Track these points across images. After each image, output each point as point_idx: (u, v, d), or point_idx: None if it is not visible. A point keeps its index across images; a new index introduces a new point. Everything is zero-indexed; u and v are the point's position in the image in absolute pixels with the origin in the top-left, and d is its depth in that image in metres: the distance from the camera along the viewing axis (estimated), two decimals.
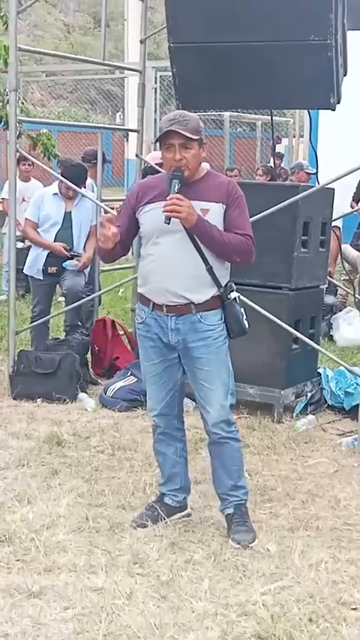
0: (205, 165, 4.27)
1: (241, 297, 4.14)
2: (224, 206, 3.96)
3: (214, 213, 3.94)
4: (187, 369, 4.08)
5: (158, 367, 4.10)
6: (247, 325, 4.08)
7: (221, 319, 4.02)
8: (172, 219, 3.84)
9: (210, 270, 3.96)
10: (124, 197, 8.08)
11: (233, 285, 4.08)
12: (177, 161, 3.92)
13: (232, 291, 4.05)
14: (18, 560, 3.78)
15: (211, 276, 3.97)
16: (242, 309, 4.08)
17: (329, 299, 8.78)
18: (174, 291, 3.96)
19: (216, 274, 3.97)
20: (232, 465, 4.12)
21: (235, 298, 4.03)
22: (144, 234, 4.04)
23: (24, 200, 9.21)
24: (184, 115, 3.96)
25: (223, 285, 4.02)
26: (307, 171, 10.31)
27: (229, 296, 4.02)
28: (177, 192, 3.88)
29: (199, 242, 3.92)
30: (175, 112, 4.03)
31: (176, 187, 3.90)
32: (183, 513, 4.26)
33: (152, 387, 4.16)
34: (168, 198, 3.87)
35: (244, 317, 4.07)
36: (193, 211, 3.85)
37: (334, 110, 5.72)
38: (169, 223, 3.87)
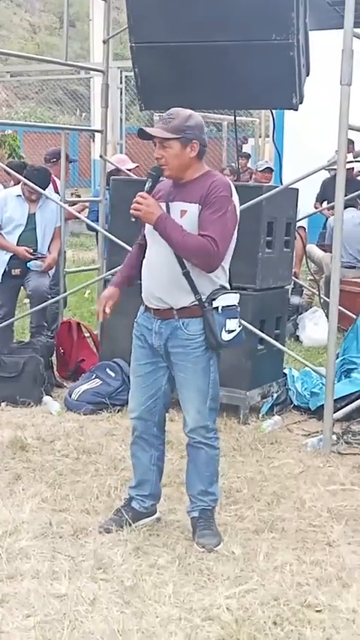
0: None
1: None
2: (200, 207, 3.86)
3: (190, 215, 3.87)
4: (172, 373, 4.04)
5: (143, 369, 4.06)
6: (228, 338, 3.91)
7: (204, 328, 3.92)
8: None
9: (187, 274, 3.88)
10: (90, 198, 8.09)
11: (220, 293, 3.92)
12: (156, 159, 3.90)
13: (215, 299, 3.90)
14: None
15: (188, 282, 3.88)
16: (228, 321, 3.91)
17: (295, 299, 8.80)
18: (155, 295, 3.95)
19: (194, 280, 3.88)
20: (205, 470, 4.08)
21: (217, 307, 3.89)
22: (145, 234, 4.05)
23: None
24: (173, 113, 3.89)
25: (207, 292, 3.90)
26: (259, 169, 10.34)
27: (206, 304, 3.89)
28: (149, 191, 3.86)
29: None
30: (170, 110, 3.93)
31: (147, 185, 3.88)
32: (151, 518, 4.22)
33: (135, 388, 4.12)
34: (137, 195, 3.86)
35: (226, 328, 3.91)
36: (153, 210, 3.82)
37: (296, 110, 5.73)
38: (134, 221, 3.88)
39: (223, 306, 3.92)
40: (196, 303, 3.91)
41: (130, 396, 4.19)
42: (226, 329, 3.92)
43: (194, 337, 3.93)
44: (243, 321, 5.64)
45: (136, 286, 4.17)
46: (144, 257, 4.08)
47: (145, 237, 4.08)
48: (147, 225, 3.95)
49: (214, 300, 3.91)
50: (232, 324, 3.94)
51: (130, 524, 4.10)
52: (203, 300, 3.90)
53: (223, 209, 3.87)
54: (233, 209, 3.94)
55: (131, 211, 3.86)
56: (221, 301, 3.92)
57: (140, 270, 4.08)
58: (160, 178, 3.97)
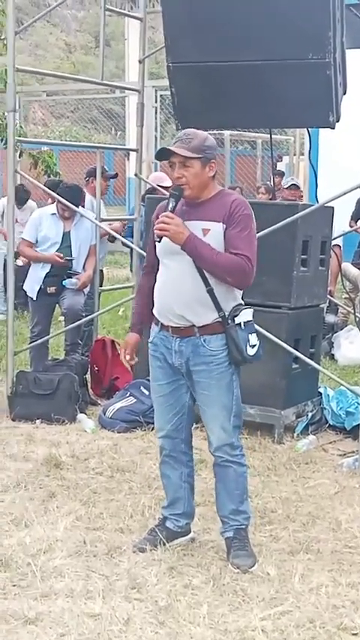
0: None
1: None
2: (224, 225, 3.89)
3: (214, 233, 3.88)
4: (193, 391, 4.04)
5: (165, 388, 4.06)
6: (252, 353, 3.94)
7: (226, 344, 3.93)
8: (163, 237, 3.85)
9: (211, 292, 3.89)
10: (124, 216, 8.12)
11: (241, 309, 3.95)
12: (176, 179, 3.91)
13: (237, 315, 3.93)
14: (14, 586, 3.73)
15: (212, 299, 3.90)
16: (251, 336, 3.94)
17: (330, 318, 8.76)
18: (176, 313, 3.93)
19: (217, 297, 3.90)
20: (235, 489, 4.06)
21: (240, 323, 3.92)
22: (157, 254, 4.03)
23: (17, 221, 9.19)
24: (190, 133, 3.93)
25: (228, 308, 3.93)
26: (285, 187, 10.36)
27: (229, 321, 3.91)
28: (172, 211, 3.87)
29: None
30: (185, 131, 3.98)
31: (171, 205, 3.89)
32: (186, 538, 4.20)
33: (159, 407, 4.12)
34: (160, 216, 3.87)
35: (250, 344, 3.94)
36: (182, 230, 3.82)
37: (333, 129, 5.71)
38: (159, 241, 3.89)
39: (244, 322, 3.94)
40: (219, 319, 3.92)
41: (155, 417, 4.19)
42: (250, 344, 3.95)
43: (217, 354, 3.92)
44: (278, 340, 5.67)
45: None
46: (154, 281, 4.10)
47: (148, 264, 4.12)
48: (159, 245, 3.95)
49: (236, 316, 3.93)
50: (254, 338, 3.98)
51: (164, 544, 4.08)
52: (226, 316, 3.91)
53: (248, 227, 3.92)
54: (254, 227, 3.98)
55: (157, 232, 3.87)
56: (242, 317, 3.95)
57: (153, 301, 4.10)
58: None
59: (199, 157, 3.88)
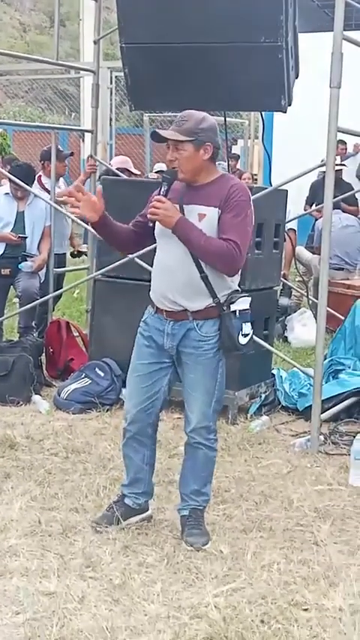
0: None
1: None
2: (219, 210, 3.84)
3: (210, 218, 3.85)
4: (179, 373, 4.04)
5: (145, 368, 4.03)
6: (244, 342, 3.93)
7: (218, 330, 3.92)
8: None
9: (205, 278, 3.87)
10: None
11: (238, 296, 3.93)
12: (169, 162, 3.89)
13: (233, 302, 3.90)
14: None
15: (206, 285, 3.88)
16: (244, 324, 3.93)
17: (284, 300, 8.84)
18: (169, 298, 3.92)
19: (211, 283, 3.88)
20: (202, 471, 4.10)
21: (235, 311, 3.90)
22: (156, 235, 4.00)
23: None
24: (185, 115, 3.89)
25: (223, 294, 3.91)
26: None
27: (225, 308, 3.90)
28: (165, 195, 3.84)
29: None
30: (184, 112, 3.92)
31: (163, 189, 3.86)
32: (143, 515, 4.23)
33: (134, 387, 4.08)
34: (151, 199, 3.86)
35: (242, 332, 3.92)
36: (172, 213, 3.80)
37: (285, 112, 5.76)
38: (152, 225, 3.87)
39: (240, 310, 3.93)
40: (213, 305, 3.90)
41: (127, 395, 4.17)
42: (243, 333, 3.93)
43: (207, 338, 3.92)
44: None
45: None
46: (134, 241, 4.09)
47: (139, 223, 4.05)
48: (157, 226, 3.91)
49: (232, 303, 3.91)
50: (247, 328, 3.96)
51: (119, 522, 4.11)
52: (221, 302, 3.91)
53: (243, 213, 3.87)
54: (251, 214, 3.94)
55: (148, 215, 3.84)
56: (238, 305, 3.93)
57: (122, 240, 4.07)
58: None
59: (191, 140, 3.83)
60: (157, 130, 3.92)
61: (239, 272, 3.98)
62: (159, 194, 3.87)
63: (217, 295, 3.89)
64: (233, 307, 3.91)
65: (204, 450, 4.06)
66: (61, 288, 7.73)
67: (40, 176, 7.74)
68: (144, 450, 4.16)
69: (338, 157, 9.30)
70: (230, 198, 3.84)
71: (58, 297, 8.00)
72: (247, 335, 3.96)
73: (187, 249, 3.85)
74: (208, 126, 3.89)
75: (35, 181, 7.54)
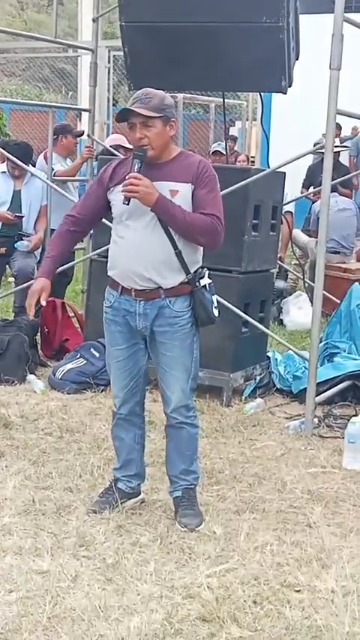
0: None
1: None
2: (192, 186, 3.87)
3: (182, 194, 3.86)
4: (152, 353, 4.03)
5: (124, 352, 4.03)
6: (216, 314, 4.01)
7: (190, 305, 3.95)
8: (131, 199, 3.79)
9: (179, 254, 3.88)
10: (77, 177, 8.07)
11: (205, 271, 3.99)
12: (138, 140, 3.86)
13: (202, 277, 3.96)
14: None
15: (180, 261, 3.89)
16: (213, 297, 4.00)
17: (280, 283, 8.83)
18: (142, 275, 3.89)
19: (185, 259, 3.90)
20: (187, 449, 4.11)
21: (205, 285, 3.96)
22: (114, 215, 3.97)
23: None
24: (149, 92, 3.88)
25: (193, 271, 3.94)
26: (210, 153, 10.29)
27: (197, 283, 3.93)
28: (138, 172, 3.81)
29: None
30: (142, 90, 3.92)
31: (136, 167, 3.83)
32: (136, 499, 4.23)
33: (117, 372, 4.09)
34: (127, 177, 3.82)
35: (214, 305, 4.00)
36: (152, 190, 3.78)
37: (285, 93, 5.73)
38: (127, 204, 3.82)
39: (208, 284, 3.99)
40: (185, 281, 3.92)
41: (112, 382, 4.18)
42: (214, 305, 4.01)
43: (181, 315, 3.94)
44: (228, 304, 5.70)
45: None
46: (75, 240, 4.18)
47: (78, 218, 4.05)
48: (118, 206, 3.88)
49: (202, 278, 3.96)
50: (215, 300, 4.04)
51: (117, 505, 4.10)
52: (193, 278, 3.93)
53: (216, 188, 3.95)
54: (219, 188, 4.00)
55: (125, 193, 3.79)
56: (206, 279, 3.99)
57: (70, 248, 4.15)
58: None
59: (160, 116, 3.83)
60: (128, 107, 3.85)
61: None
62: (131, 172, 3.82)
63: (190, 271, 3.93)
64: (203, 282, 3.97)
65: (186, 429, 4.07)
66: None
67: (45, 152, 7.68)
68: (135, 430, 4.18)
69: (337, 140, 9.28)
70: (202, 174, 3.89)
71: (68, 281, 7.96)
72: (217, 307, 4.05)
73: (157, 226, 3.85)
74: (170, 103, 3.95)
75: (41, 157, 7.51)
